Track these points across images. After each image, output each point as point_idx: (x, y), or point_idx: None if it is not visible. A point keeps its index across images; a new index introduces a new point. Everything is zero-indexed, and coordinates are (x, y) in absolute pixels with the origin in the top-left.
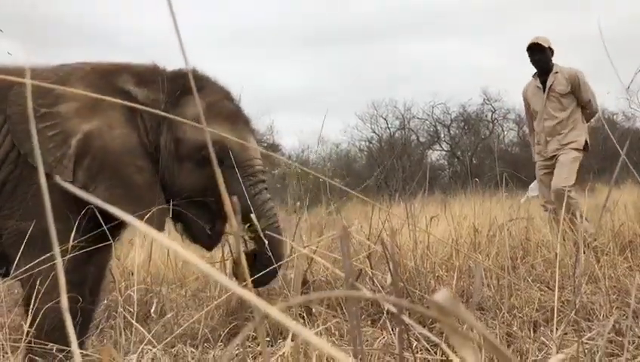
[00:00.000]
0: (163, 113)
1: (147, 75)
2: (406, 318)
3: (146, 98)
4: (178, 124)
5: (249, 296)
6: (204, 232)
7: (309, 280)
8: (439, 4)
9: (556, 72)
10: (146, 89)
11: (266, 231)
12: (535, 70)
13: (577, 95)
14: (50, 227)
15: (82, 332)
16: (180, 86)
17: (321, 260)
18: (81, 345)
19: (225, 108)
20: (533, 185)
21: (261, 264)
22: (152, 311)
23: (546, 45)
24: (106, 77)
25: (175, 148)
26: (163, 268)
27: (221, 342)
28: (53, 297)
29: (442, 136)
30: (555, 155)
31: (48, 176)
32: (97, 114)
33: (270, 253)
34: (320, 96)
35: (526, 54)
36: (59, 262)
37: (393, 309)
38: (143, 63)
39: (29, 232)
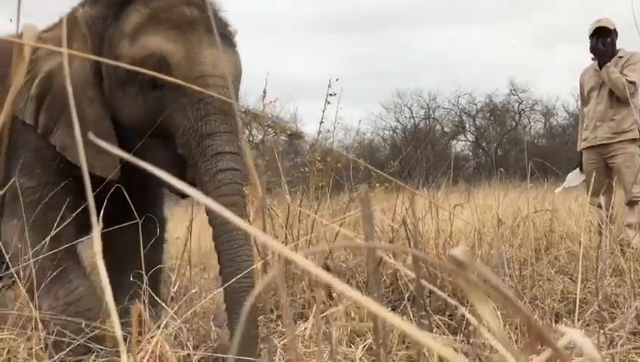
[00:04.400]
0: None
1: None
2: (425, 282)
3: (82, 16)
4: (116, 41)
5: (302, 261)
6: (172, 174)
7: (330, 266)
8: None
9: (620, 57)
10: (90, 7)
11: (212, 216)
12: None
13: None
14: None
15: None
16: None
17: (346, 231)
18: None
19: (175, 13)
20: (572, 175)
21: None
22: (173, 290)
23: (612, 27)
24: (75, 8)
25: (115, 69)
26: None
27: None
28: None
29: (467, 126)
30: (604, 144)
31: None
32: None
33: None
34: (341, 84)
35: (549, 46)
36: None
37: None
38: None
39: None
